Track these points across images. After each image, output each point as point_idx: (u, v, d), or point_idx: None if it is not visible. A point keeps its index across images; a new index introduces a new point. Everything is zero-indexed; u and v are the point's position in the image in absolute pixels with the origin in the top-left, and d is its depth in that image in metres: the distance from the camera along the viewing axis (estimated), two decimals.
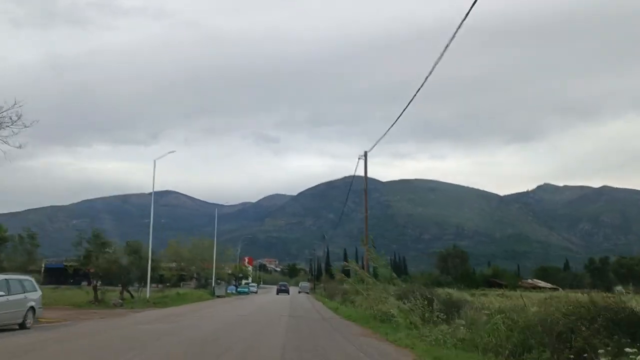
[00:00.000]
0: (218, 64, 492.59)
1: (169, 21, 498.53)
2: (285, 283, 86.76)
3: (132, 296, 34.84)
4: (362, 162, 32.17)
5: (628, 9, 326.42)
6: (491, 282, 76.08)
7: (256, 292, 77.32)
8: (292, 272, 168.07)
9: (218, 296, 51.47)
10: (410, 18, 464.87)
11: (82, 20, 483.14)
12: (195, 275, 66.41)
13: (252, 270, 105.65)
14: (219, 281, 62.09)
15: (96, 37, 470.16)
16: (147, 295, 35.20)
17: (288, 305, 37.96)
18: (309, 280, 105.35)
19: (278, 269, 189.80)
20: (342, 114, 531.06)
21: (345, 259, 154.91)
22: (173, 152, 39.11)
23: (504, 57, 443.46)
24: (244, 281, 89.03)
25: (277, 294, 68.16)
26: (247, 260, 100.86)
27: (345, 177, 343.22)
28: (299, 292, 77.74)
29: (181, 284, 63.44)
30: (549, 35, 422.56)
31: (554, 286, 61.83)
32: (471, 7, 10.94)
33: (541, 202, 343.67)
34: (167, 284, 71.81)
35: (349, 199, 55.52)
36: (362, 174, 33.69)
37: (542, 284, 66.20)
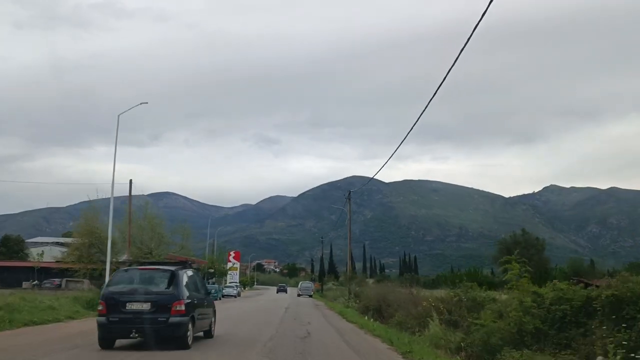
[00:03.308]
0: (219, 65, 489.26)
1: (170, 23, 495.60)
2: (284, 284, 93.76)
3: None
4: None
5: (631, 10, 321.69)
6: (575, 281, 60.17)
7: (236, 297, 54.15)
8: (291, 273, 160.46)
9: None
10: (412, 20, 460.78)
11: (85, 22, 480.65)
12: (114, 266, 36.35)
13: (239, 267, 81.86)
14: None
15: (98, 39, 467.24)
16: None
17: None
18: (312, 280, 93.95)
19: (277, 270, 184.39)
20: (343, 116, 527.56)
21: (351, 258, 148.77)
22: (145, 103, 29.83)
23: (506, 59, 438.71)
24: (228, 280, 69.56)
25: (277, 293, 74.79)
26: (232, 255, 77.68)
27: (347, 178, 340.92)
28: (299, 294, 63.47)
29: (62, 282, 42.29)
30: (552, 37, 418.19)
31: None
32: (487, 8, 10.53)
33: (548, 203, 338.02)
34: (43, 281, 51.52)
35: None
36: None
37: None
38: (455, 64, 12.86)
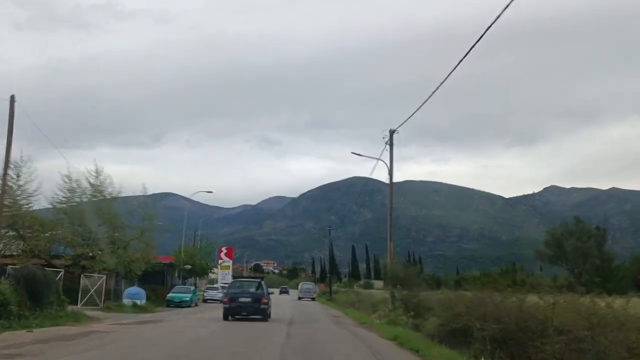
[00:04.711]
0: (220, 66, 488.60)
1: (171, 24, 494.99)
2: (286, 286, 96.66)
3: None
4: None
5: (631, 10, 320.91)
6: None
7: (191, 306, 35.49)
8: (291, 274, 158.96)
9: None
10: (412, 21, 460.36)
11: (85, 23, 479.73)
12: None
13: (231, 265, 68.68)
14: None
15: (99, 40, 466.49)
16: None
17: None
18: (314, 282, 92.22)
19: (276, 271, 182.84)
20: (344, 117, 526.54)
21: (354, 258, 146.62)
22: None
23: (506, 59, 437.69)
24: (219, 279, 60.07)
25: (280, 294, 77.59)
26: (224, 252, 67.36)
27: (347, 179, 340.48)
28: (299, 297, 61.01)
29: None
30: (552, 37, 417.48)
31: None
32: (504, 9, 11.05)
33: (548, 204, 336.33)
34: None
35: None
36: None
37: None
38: (456, 64, 12.58)
